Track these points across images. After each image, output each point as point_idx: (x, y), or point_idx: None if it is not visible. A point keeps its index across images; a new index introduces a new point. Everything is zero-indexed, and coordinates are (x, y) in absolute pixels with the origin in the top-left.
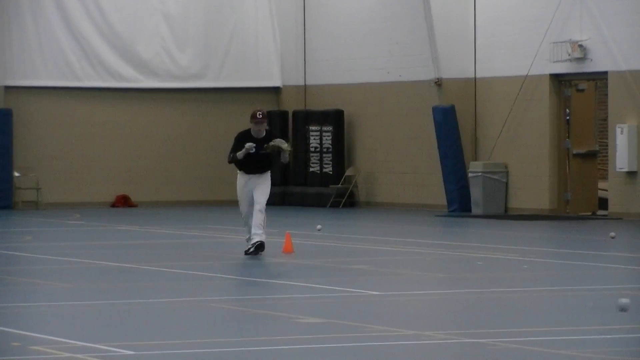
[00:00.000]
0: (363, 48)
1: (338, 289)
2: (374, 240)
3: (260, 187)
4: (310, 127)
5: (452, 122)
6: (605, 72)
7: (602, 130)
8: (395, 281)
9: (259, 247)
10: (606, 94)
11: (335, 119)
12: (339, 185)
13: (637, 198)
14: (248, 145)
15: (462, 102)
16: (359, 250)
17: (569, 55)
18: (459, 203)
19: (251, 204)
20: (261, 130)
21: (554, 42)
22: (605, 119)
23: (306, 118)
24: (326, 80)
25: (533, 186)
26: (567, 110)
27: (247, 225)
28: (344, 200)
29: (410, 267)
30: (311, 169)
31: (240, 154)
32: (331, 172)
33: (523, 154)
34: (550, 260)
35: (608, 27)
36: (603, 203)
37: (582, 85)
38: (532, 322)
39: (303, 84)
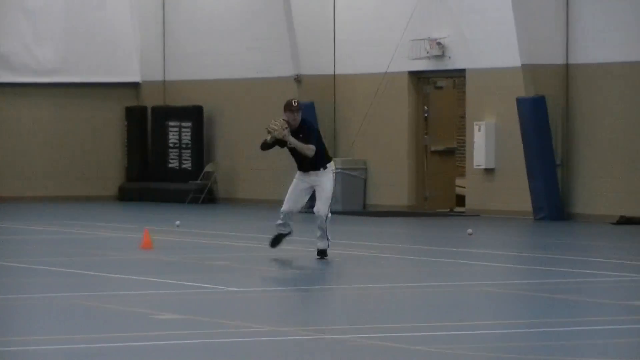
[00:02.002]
0: (223, 44)
1: (196, 284)
2: (233, 237)
3: (321, 187)
4: (169, 123)
5: (311, 118)
6: (464, 70)
7: (460, 128)
8: (253, 277)
9: (323, 253)
10: (464, 92)
11: (194, 114)
12: (198, 181)
13: (494, 195)
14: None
15: (321, 99)
16: (218, 247)
17: (428, 52)
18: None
19: (298, 202)
20: (296, 120)
21: (413, 40)
22: (463, 117)
23: (165, 114)
24: (186, 76)
25: (392, 183)
26: (426, 107)
27: (284, 222)
28: (203, 196)
29: (268, 264)
30: (170, 165)
31: (269, 138)
32: (190, 168)
33: (382, 151)
34: (408, 256)
35: (466, 25)
36: (461, 200)
37: (441, 82)
38: (391, 319)
39: (162, 79)
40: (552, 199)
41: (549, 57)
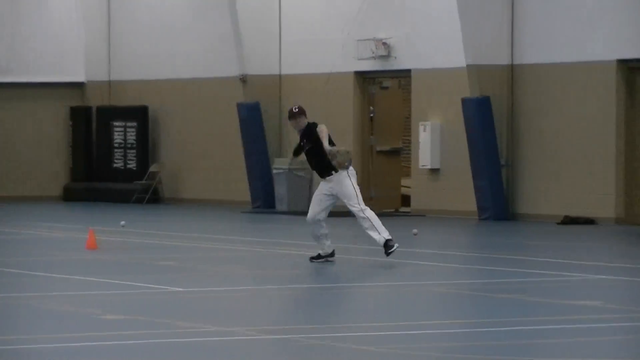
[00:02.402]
0: (169, 43)
1: (142, 285)
2: (179, 237)
3: (342, 192)
4: (114, 123)
5: (257, 118)
6: (409, 70)
7: (406, 128)
8: (200, 277)
9: (386, 246)
10: (410, 92)
11: (139, 114)
12: (143, 181)
13: (439, 195)
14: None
15: (267, 99)
16: (164, 247)
17: (374, 53)
18: (263, 199)
19: (321, 207)
20: (299, 124)
21: (358, 40)
22: (409, 117)
23: (110, 114)
24: (131, 76)
25: None
26: (372, 107)
27: (313, 234)
28: (147, 196)
29: (215, 264)
30: (115, 165)
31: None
32: (135, 168)
33: None
34: (353, 256)
35: (412, 25)
36: (406, 200)
37: (387, 83)
38: (339, 318)
39: (107, 79)
40: (497, 199)
41: (494, 57)
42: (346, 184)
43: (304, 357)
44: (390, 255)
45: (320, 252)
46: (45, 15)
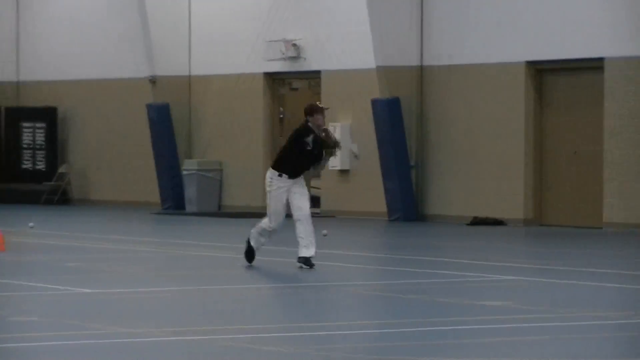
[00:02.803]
0: (78, 44)
1: (51, 286)
2: (88, 238)
3: (302, 192)
4: (23, 124)
5: (166, 119)
6: (319, 72)
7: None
8: (109, 279)
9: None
10: (319, 93)
11: (48, 115)
12: (52, 183)
13: (349, 196)
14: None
15: (177, 100)
16: (73, 248)
17: (283, 54)
18: (173, 201)
19: (285, 213)
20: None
21: (268, 41)
22: None
23: (19, 114)
24: (40, 77)
25: (247, 184)
26: (281, 108)
27: (269, 237)
28: (57, 198)
29: (124, 265)
30: (23, 166)
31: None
32: (44, 169)
33: (237, 152)
34: (263, 257)
35: (322, 27)
36: (316, 201)
37: (296, 84)
38: (245, 319)
39: (16, 80)
40: (407, 200)
41: (403, 59)
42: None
43: (218, 358)
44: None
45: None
46: None
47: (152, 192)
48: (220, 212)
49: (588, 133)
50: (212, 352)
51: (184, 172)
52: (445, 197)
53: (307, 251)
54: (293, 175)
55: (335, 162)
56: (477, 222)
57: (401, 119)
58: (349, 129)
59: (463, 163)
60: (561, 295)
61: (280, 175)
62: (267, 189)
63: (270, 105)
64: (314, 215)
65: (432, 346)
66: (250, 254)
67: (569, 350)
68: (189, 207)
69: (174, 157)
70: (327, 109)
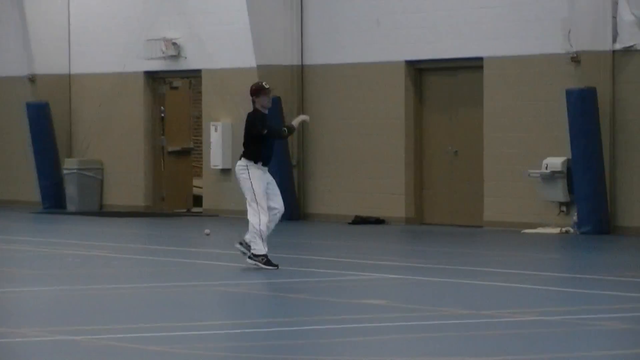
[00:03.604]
0: None
1: None
2: None
3: (272, 184)
4: None
5: (46, 118)
6: (199, 70)
7: (197, 128)
8: None
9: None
10: (200, 92)
11: None
12: None
13: (230, 195)
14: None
15: (56, 99)
16: None
17: (163, 52)
18: (53, 200)
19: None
20: (270, 102)
21: (148, 40)
22: (200, 117)
23: None
24: None
25: (128, 183)
26: (162, 107)
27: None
28: None
29: (1, 264)
30: None
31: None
32: None
33: (118, 151)
34: (143, 257)
35: (201, 25)
36: (198, 200)
37: (177, 82)
38: (126, 319)
39: None
40: (288, 199)
41: (283, 57)
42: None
43: (93, 358)
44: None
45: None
46: None
47: (32, 191)
48: (101, 212)
49: (468, 132)
50: (87, 352)
51: (65, 172)
52: (327, 196)
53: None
54: (266, 162)
55: (216, 161)
56: (359, 221)
57: (282, 118)
58: (230, 128)
59: (344, 162)
60: (438, 293)
61: (256, 163)
62: (242, 175)
63: (150, 104)
64: (196, 215)
65: (311, 345)
66: (269, 262)
67: (442, 349)
68: (70, 207)
69: (54, 156)
70: (270, 89)
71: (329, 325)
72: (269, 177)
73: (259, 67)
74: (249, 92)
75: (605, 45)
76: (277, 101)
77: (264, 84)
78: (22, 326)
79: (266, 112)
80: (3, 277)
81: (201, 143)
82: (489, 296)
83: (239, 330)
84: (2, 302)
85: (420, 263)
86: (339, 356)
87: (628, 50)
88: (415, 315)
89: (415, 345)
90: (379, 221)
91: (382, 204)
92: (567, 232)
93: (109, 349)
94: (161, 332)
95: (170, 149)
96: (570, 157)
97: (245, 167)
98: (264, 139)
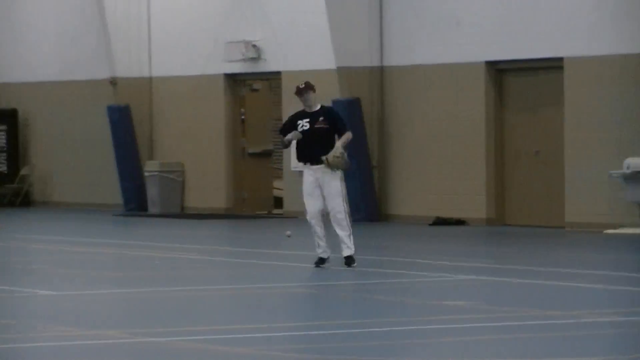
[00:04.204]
0: (38, 46)
1: (13, 289)
2: (51, 240)
3: (331, 186)
4: None
5: (127, 121)
6: (279, 72)
7: (277, 130)
8: (72, 281)
9: (349, 260)
10: (280, 94)
11: (9, 118)
12: (14, 185)
13: None
14: (293, 135)
15: (137, 102)
16: (35, 250)
17: (243, 55)
18: (135, 202)
19: (319, 199)
20: (309, 100)
21: (228, 42)
22: (280, 119)
23: None
24: (0, 79)
25: (209, 185)
26: (242, 109)
27: (317, 234)
28: (19, 200)
29: (86, 267)
30: None
31: (288, 138)
32: (6, 171)
33: (199, 153)
34: (227, 259)
35: (281, 27)
36: (278, 202)
37: (257, 85)
38: (209, 321)
39: None
40: (369, 200)
41: (363, 59)
42: (335, 183)
43: (166, 359)
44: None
45: (322, 255)
46: None
47: (114, 193)
48: (183, 214)
49: (549, 132)
50: (171, 354)
51: (146, 174)
52: (407, 198)
53: (348, 250)
54: (304, 159)
55: (296, 163)
56: (439, 222)
57: (362, 119)
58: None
59: (425, 163)
60: (521, 295)
61: (304, 164)
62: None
63: (231, 107)
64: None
65: (395, 346)
66: (320, 261)
67: (526, 350)
68: (152, 209)
69: (135, 159)
70: (303, 87)
71: (409, 327)
72: (318, 179)
73: (338, 68)
74: (328, 94)
75: None
76: (357, 102)
77: (299, 85)
78: (104, 328)
79: (309, 110)
80: (87, 280)
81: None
82: (571, 297)
83: (320, 332)
84: (87, 304)
85: (501, 264)
86: (418, 358)
87: None
88: (496, 316)
89: (496, 346)
90: (459, 222)
91: (463, 205)
92: None
93: (189, 351)
94: (241, 333)
95: (250, 150)
96: None
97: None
98: (304, 136)
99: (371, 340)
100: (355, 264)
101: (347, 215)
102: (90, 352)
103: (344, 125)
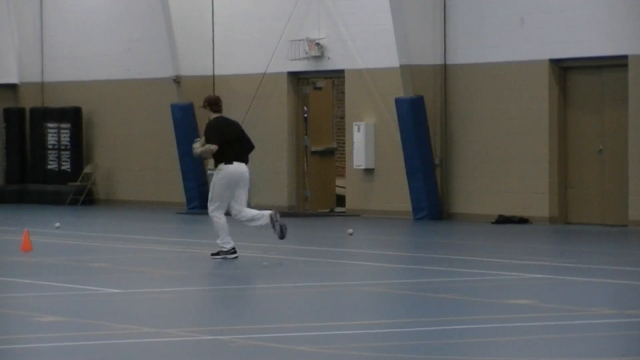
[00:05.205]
0: (102, 44)
1: (78, 287)
2: (114, 238)
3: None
4: (48, 125)
5: (190, 119)
6: (342, 71)
7: (340, 128)
8: (135, 279)
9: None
10: (343, 92)
11: (73, 116)
12: (78, 183)
13: (374, 195)
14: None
15: (200, 100)
16: (99, 248)
17: (307, 53)
18: (198, 200)
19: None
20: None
21: (291, 40)
22: (343, 117)
23: (44, 115)
24: (64, 77)
25: (272, 183)
26: (305, 108)
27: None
28: (82, 198)
29: (150, 265)
30: (49, 167)
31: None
32: (69, 170)
33: (262, 151)
34: (289, 257)
35: (344, 25)
36: (341, 200)
37: (320, 83)
38: (273, 319)
39: (41, 80)
40: (432, 199)
41: (427, 57)
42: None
43: (241, 358)
44: (217, 258)
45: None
46: None
47: (177, 191)
48: None
49: (613, 131)
50: (237, 352)
51: (209, 172)
52: (470, 196)
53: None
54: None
55: (359, 161)
56: (502, 220)
57: (425, 118)
58: (372, 128)
59: (487, 161)
60: (586, 293)
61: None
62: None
63: (294, 105)
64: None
65: (457, 345)
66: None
67: (591, 349)
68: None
69: (198, 157)
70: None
71: (475, 325)
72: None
73: (401, 66)
74: (391, 93)
75: None
76: (420, 101)
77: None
78: (171, 327)
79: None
80: (152, 278)
81: (344, 143)
82: (636, 296)
83: (386, 330)
84: (151, 302)
85: (565, 262)
86: (486, 356)
87: None
88: (561, 315)
89: (562, 345)
90: (522, 220)
91: (526, 203)
92: None
93: (257, 349)
94: (309, 332)
95: (313, 149)
96: None
97: None
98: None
99: (434, 338)
100: (219, 257)
101: (215, 213)
102: (160, 350)
103: (207, 141)
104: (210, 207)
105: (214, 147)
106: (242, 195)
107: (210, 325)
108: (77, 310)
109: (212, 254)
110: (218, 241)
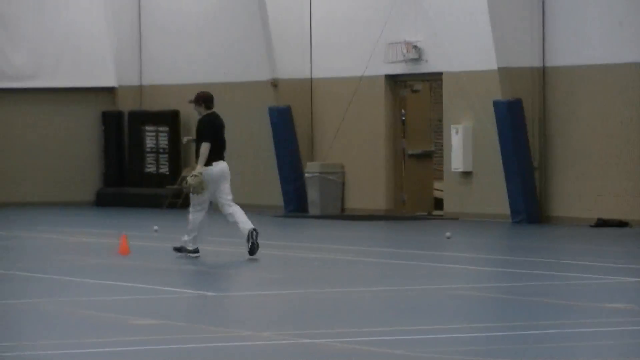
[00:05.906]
0: (199, 48)
1: (174, 289)
2: (210, 241)
3: None
4: (146, 128)
5: (288, 122)
6: (440, 73)
7: (437, 131)
8: (232, 282)
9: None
10: (441, 95)
11: (171, 119)
12: (175, 186)
13: (472, 198)
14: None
15: (298, 103)
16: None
17: (404, 56)
18: (295, 204)
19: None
20: (195, 110)
21: (389, 43)
22: (440, 120)
23: (142, 118)
24: (162, 81)
25: (369, 186)
26: (403, 110)
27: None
28: (180, 201)
29: (247, 268)
30: (147, 170)
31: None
32: (167, 173)
33: (359, 155)
34: (386, 260)
35: (442, 28)
36: (439, 203)
37: (417, 86)
38: (369, 322)
39: (139, 84)
40: (530, 202)
41: (525, 59)
42: None
43: None
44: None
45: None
46: (75, 20)
47: (274, 194)
48: (343, 215)
49: None
50: (328, 355)
51: (307, 175)
52: (569, 199)
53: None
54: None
55: (457, 164)
56: (601, 224)
57: (523, 120)
58: (470, 131)
59: (586, 164)
60: None
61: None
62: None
63: (391, 108)
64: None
65: (552, 348)
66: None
67: None
68: (312, 210)
69: (296, 160)
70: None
71: (571, 329)
72: None
73: (499, 69)
74: (488, 95)
75: None
76: (518, 103)
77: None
78: (268, 330)
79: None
80: (249, 281)
81: (442, 146)
82: None
83: (485, 334)
84: (247, 305)
85: None
86: None
87: None
88: None
89: None
90: (621, 224)
91: (625, 206)
92: None
93: (350, 352)
94: (402, 335)
95: (410, 152)
96: None
97: None
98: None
99: (530, 342)
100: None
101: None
102: (252, 353)
103: (200, 138)
104: (192, 207)
105: (205, 145)
106: (226, 187)
107: (306, 328)
108: (173, 312)
109: (175, 248)
110: (185, 238)
